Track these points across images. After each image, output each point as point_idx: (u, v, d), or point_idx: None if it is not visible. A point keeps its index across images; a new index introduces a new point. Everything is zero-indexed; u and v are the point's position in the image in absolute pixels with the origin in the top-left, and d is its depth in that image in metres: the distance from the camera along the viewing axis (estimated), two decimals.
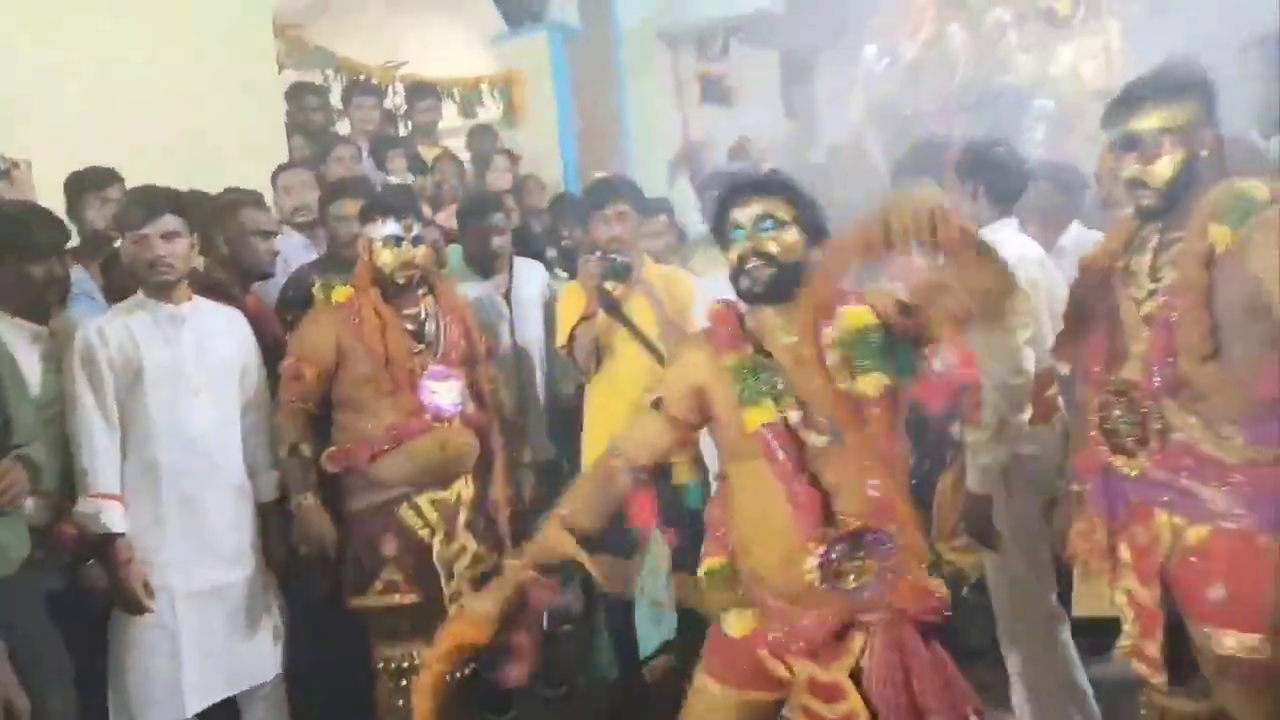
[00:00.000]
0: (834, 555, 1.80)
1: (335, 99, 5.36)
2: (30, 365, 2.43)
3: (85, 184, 3.13)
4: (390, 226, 2.70)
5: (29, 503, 2.29)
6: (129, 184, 2.98)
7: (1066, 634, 2.63)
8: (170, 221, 2.51)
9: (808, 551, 1.79)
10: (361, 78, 5.55)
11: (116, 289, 2.86)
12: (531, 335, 3.53)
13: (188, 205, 2.60)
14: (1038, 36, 6.46)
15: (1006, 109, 5.94)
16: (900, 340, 1.85)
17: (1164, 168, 1.88)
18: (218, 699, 2.57)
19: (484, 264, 3.51)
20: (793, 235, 1.86)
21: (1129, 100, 1.91)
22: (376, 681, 2.72)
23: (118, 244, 2.69)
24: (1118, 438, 1.96)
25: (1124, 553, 1.99)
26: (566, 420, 3.46)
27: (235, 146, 3.92)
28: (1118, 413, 1.95)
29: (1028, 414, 2.46)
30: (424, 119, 5.47)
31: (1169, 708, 2.01)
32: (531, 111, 6.77)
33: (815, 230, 1.89)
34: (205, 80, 4.02)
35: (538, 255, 4.00)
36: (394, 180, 4.51)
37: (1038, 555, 2.60)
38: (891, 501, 1.80)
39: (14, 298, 2.49)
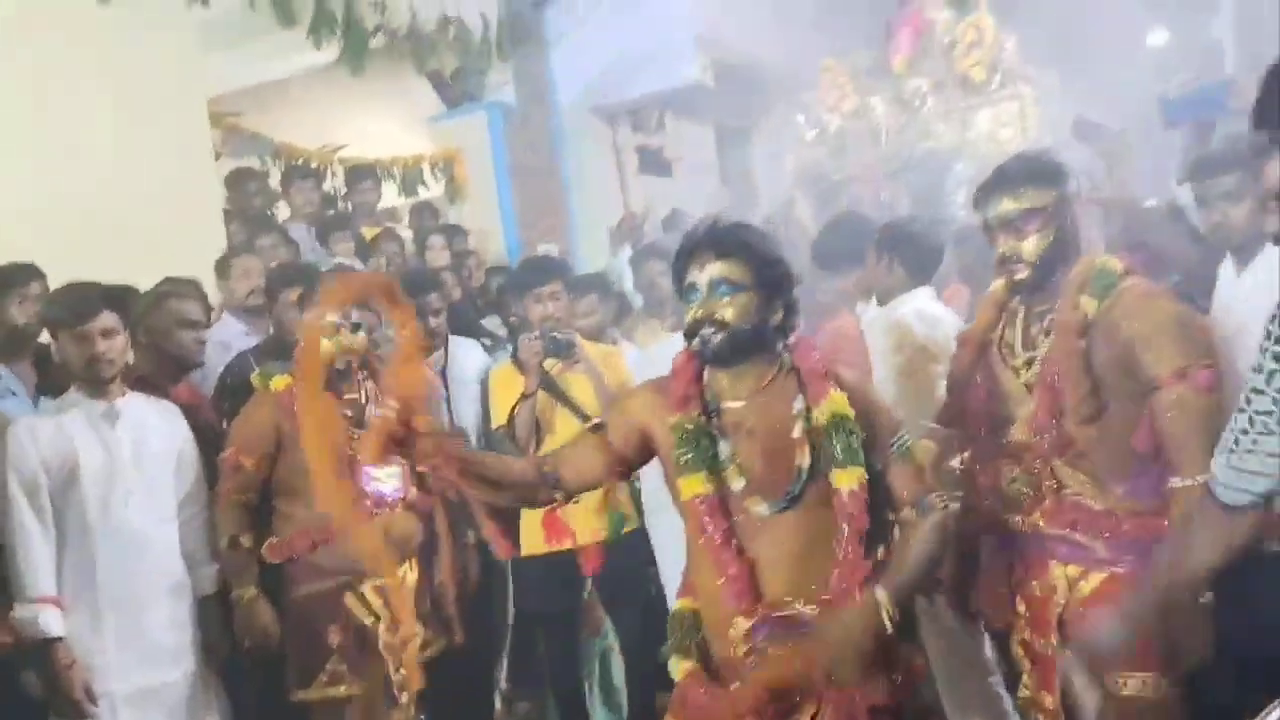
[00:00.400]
0: (761, 635, 1.76)
1: (274, 183, 5.42)
2: None
3: (5, 281, 3.06)
4: (329, 314, 2.74)
5: None
6: (62, 277, 2.97)
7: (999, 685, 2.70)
8: (108, 318, 2.52)
9: (734, 625, 1.77)
10: (300, 162, 5.62)
11: (47, 385, 2.85)
12: (468, 414, 3.55)
13: (121, 300, 2.62)
14: (955, 104, 6.76)
15: (929, 173, 6.19)
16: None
17: (1033, 244, 2.04)
18: None
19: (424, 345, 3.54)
20: (747, 299, 1.80)
21: (999, 183, 2.07)
22: None
23: (43, 340, 2.69)
24: (1012, 497, 2.07)
25: (1020, 605, 2.09)
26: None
27: (170, 236, 3.93)
28: (1011, 474, 2.06)
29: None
30: (363, 199, 5.54)
31: None
32: (474, 188, 6.88)
33: (773, 288, 1.84)
34: (138, 171, 4.04)
35: (474, 333, 4.05)
36: (340, 262, 4.55)
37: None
38: (838, 586, 1.75)
39: None
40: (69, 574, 2.46)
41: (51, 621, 2.39)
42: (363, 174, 5.63)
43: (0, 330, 2.91)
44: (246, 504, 2.69)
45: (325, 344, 2.68)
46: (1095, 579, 1.98)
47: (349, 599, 2.66)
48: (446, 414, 3.51)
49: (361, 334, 2.78)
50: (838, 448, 1.77)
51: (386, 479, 2.73)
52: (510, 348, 3.93)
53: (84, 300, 2.52)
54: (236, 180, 5.01)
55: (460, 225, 5.87)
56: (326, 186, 5.71)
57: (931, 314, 2.74)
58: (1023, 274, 2.06)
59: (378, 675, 2.66)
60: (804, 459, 1.79)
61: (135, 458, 2.57)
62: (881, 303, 2.91)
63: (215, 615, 2.68)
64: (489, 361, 3.72)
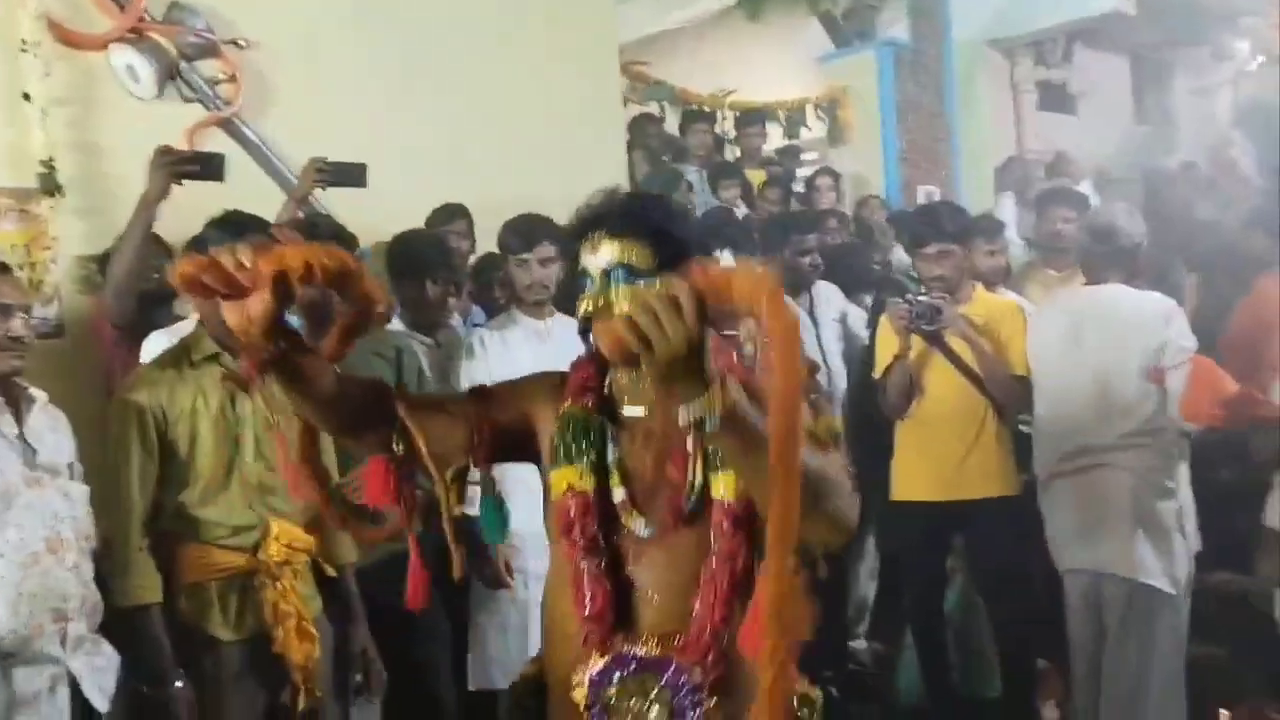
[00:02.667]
0: (612, 676, 1.41)
1: (669, 128, 5.77)
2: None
3: (441, 218, 3.59)
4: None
5: None
6: (482, 213, 3.41)
7: None
8: (547, 248, 2.86)
9: (584, 663, 1.42)
10: (695, 106, 5.91)
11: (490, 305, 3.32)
12: (834, 351, 3.66)
13: (558, 231, 2.98)
14: None
15: None
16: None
17: None
18: None
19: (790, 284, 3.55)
20: (654, 289, 1.34)
21: None
22: None
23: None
24: None
25: None
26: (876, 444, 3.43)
27: (581, 175, 4.32)
28: None
29: None
30: (751, 144, 5.73)
31: None
32: (857, 129, 6.82)
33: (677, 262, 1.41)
34: (557, 118, 4.48)
35: (859, 276, 4.06)
36: (726, 206, 4.79)
37: None
38: (694, 624, 1.38)
39: (411, 313, 2.99)
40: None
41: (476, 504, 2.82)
42: (751, 118, 5.81)
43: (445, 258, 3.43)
44: None
45: None
46: None
47: None
48: (817, 350, 3.60)
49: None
50: (720, 450, 1.38)
51: None
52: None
53: (530, 230, 2.88)
54: (637, 125, 5.40)
55: (830, 167, 5.85)
56: (718, 130, 5.96)
57: None
58: None
59: None
60: (696, 473, 1.43)
61: (559, 366, 2.93)
62: None
63: None
64: (848, 306, 3.74)
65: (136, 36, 3.39)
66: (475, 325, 3.27)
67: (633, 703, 1.40)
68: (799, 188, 5.52)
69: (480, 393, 1.59)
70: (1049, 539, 2.98)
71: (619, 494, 1.47)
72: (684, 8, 6.63)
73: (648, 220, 1.47)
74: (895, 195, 6.48)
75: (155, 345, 2.48)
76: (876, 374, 3.26)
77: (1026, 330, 3.08)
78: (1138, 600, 2.77)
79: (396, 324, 3.00)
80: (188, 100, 3.55)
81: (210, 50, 3.57)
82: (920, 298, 3.08)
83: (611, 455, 1.49)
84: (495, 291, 3.46)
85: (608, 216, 1.48)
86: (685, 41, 7.24)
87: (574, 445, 1.48)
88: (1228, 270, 3.79)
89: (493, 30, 4.32)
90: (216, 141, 3.59)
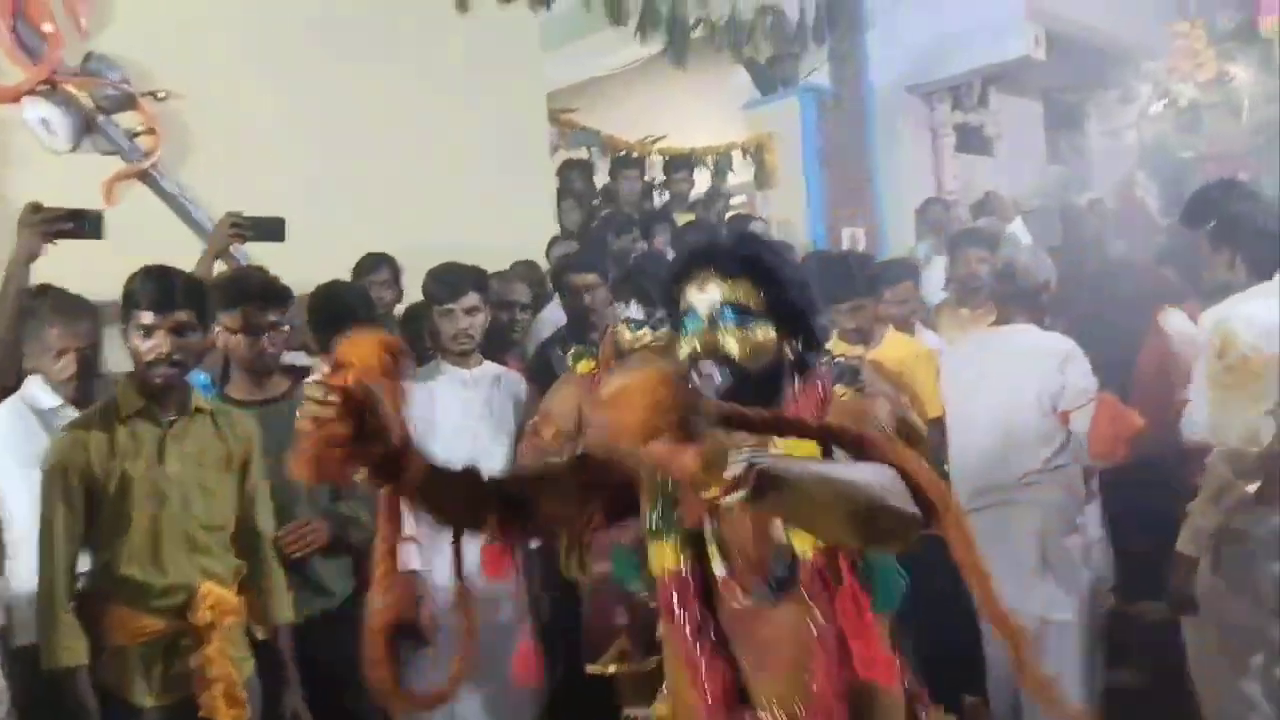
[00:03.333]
0: None
1: (599, 174, 5.83)
2: None
3: (365, 268, 3.57)
4: (634, 310, 2.90)
5: None
6: (415, 262, 3.40)
7: None
8: (473, 298, 2.88)
9: None
10: (624, 153, 5.98)
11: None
12: None
13: (485, 281, 2.99)
14: None
15: None
16: None
17: None
18: None
19: None
20: (763, 332, 1.41)
21: None
22: None
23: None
24: None
25: None
26: None
27: (509, 223, 4.35)
28: None
29: (1254, 485, 2.34)
30: (679, 189, 5.81)
31: None
32: (782, 173, 6.96)
33: (792, 318, 1.45)
34: (484, 166, 4.50)
35: None
36: (655, 251, 4.83)
37: (1233, 633, 2.51)
38: (817, 694, 1.35)
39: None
40: (422, 518, 2.84)
41: (411, 556, 2.77)
42: (679, 164, 5.90)
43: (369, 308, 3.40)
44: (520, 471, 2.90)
45: (625, 335, 2.75)
46: None
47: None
48: None
49: (664, 328, 2.91)
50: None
51: None
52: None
53: (456, 279, 2.88)
54: (567, 170, 5.45)
55: (752, 214, 5.96)
56: (647, 177, 6.04)
57: (1264, 323, 2.40)
58: None
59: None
60: (781, 537, 1.37)
61: (484, 416, 2.92)
62: (1212, 298, 2.65)
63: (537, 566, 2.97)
64: None
65: (51, 89, 3.35)
66: None
67: None
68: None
69: (583, 460, 1.49)
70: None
71: (720, 569, 1.41)
72: (611, 55, 6.73)
73: (757, 259, 1.44)
74: (820, 238, 6.61)
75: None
76: None
77: (938, 372, 3.15)
78: (1046, 635, 2.84)
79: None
80: (105, 153, 3.50)
81: (128, 102, 3.54)
82: (838, 359, 3.10)
83: (710, 527, 1.42)
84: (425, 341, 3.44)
85: (717, 254, 1.44)
86: (613, 89, 7.34)
87: (660, 520, 1.44)
88: (1136, 305, 3.94)
89: (418, 78, 4.34)
90: (136, 194, 3.54)
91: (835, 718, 1.35)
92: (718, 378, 1.38)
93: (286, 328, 2.59)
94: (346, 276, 3.46)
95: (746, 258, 1.44)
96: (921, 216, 5.91)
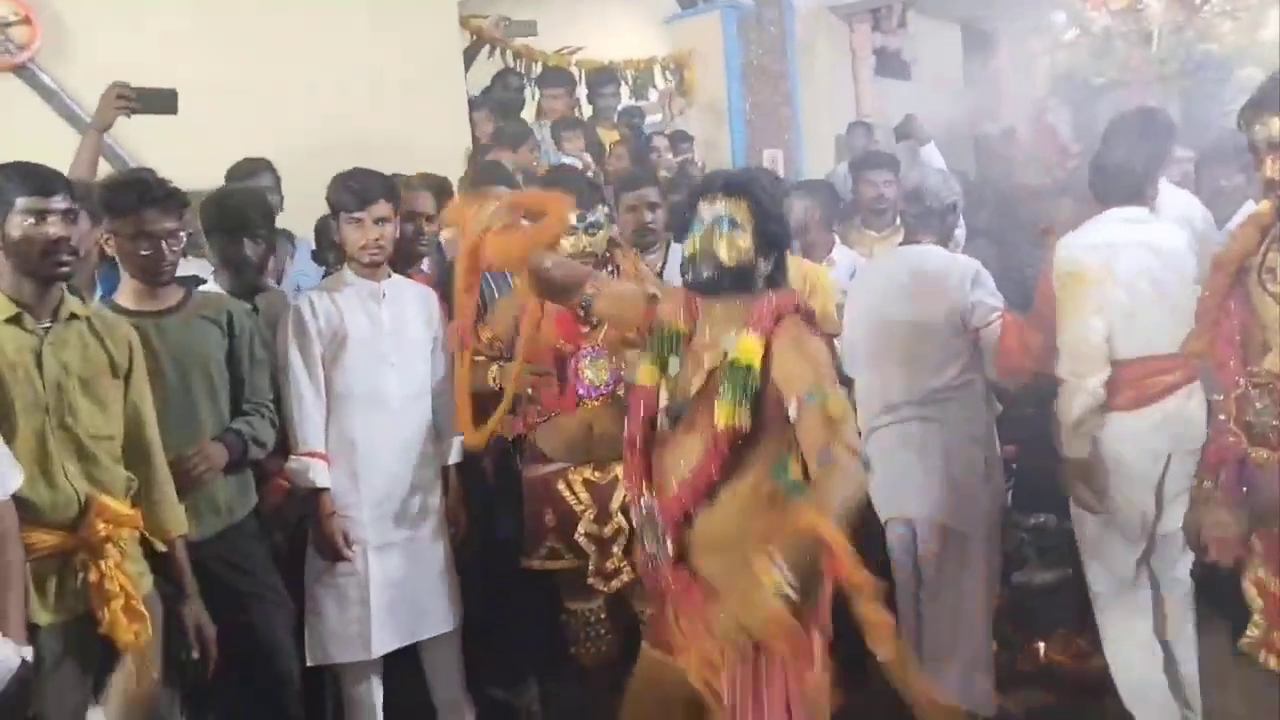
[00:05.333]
0: (637, 513, 2.03)
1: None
2: None
3: (245, 172, 3.40)
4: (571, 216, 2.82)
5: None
6: (319, 171, 3.26)
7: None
8: (383, 207, 2.74)
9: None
10: (542, 64, 5.80)
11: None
12: None
13: (395, 189, 2.85)
14: (1246, 0, 5.96)
15: (1206, 81, 5.56)
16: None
17: None
18: (402, 644, 2.82)
19: (640, 241, 3.46)
20: (744, 241, 1.94)
21: (1266, 102, 1.86)
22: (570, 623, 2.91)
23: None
24: (1257, 430, 1.93)
25: (1256, 543, 1.97)
26: None
27: (418, 132, 4.20)
28: (1259, 405, 1.93)
29: (1097, 379, 2.73)
30: (604, 103, 5.67)
31: None
32: (703, 91, 6.86)
33: (769, 242, 1.98)
34: (391, 73, 4.31)
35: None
36: (568, 160, 4.72)
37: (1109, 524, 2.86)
38: (672, 498, 1.95)
39: (229, 275, 2.83)
40: (333, 436, 2.76)
41: (320, 474, 2.71)
42: (605, 78, 5.75)
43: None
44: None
45: (565, 243, 2.70)
46: None
47: (560, 485, 2.83)
48: None
49: (600, 232, 2.85)
50: (725, 385, 1.88)
51: (594, 373, 2.82)
52: None
53: (365, 188, 2.74)
54: (501, 80, 5.28)
55: (685, 131, 5.88)
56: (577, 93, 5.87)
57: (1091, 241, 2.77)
58: None
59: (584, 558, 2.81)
60: (697, 384, 1.94)
61: (396, 334, 2.83)
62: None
63: (456, 484, 2.94)
64: None
65: None
66: (303, 288, 3.12)
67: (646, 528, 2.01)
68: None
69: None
70: (871, 490, 3.11)
71: (664, 399, 2.00)
72: None
73: (755, 187, 1.99)
74: (740, 158, 6.57)
75: None
76: None
77: (832, 292, 3.23)
78: (949, 545, 2.95)
79: (214, 286, 2.84)
80: None
81: None
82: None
83: (673, 369, 2.00)
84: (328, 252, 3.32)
85: (725, 179, 2.02)
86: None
87: (657, 347, 2.04)
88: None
89: None
90: (10, 88, 3.28)
91: (694, 498, 1.92)
92: (706, 272, 1.94)
93: (184, 235, 2.45)
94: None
95: (747, 185, 1.98)
96: (845, 140, 5.91)
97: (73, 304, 2.14)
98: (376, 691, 2.84)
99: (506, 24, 5.63)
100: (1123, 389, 2.70)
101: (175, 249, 2.41)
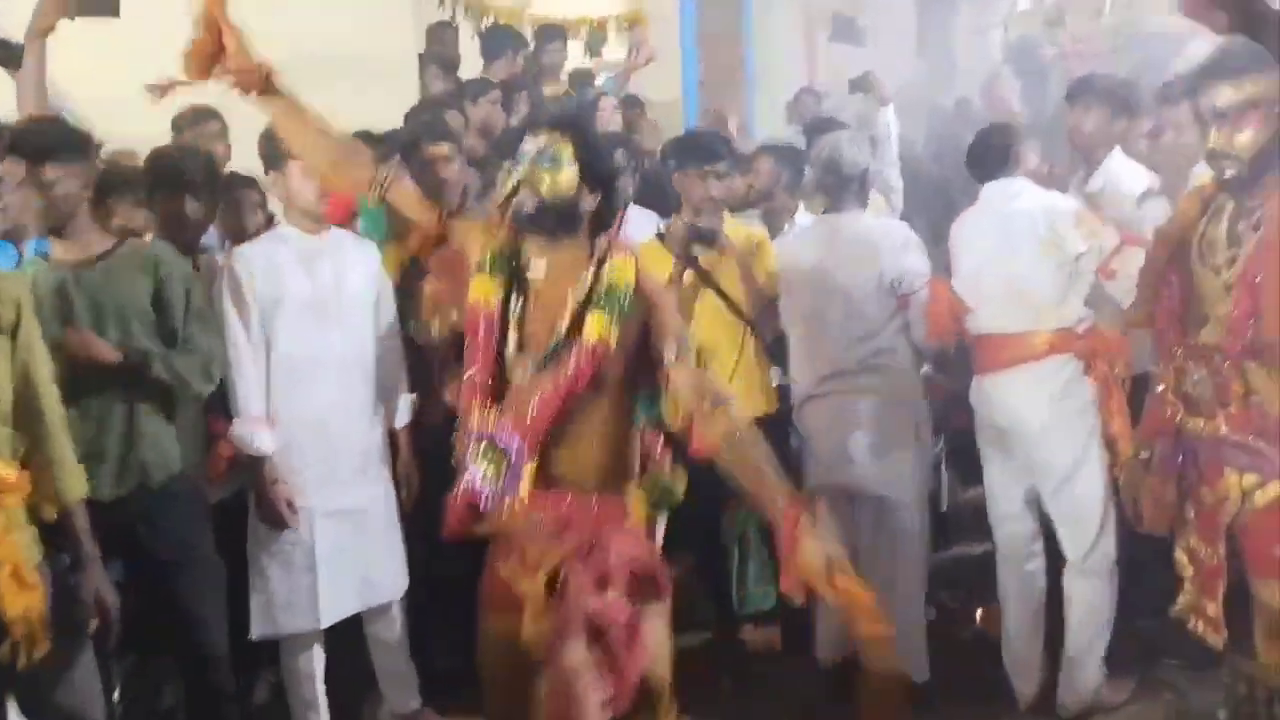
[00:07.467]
0: (478, 439, 1.87)
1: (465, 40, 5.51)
2: None
3: (192, 120, 3.33)
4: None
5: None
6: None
7: None
8: None
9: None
10: (491, 19, 5.67)
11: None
12: None
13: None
14: None
15: (1156, 52, 5.61)
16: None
17: (1249, 139, 1.90)
18: (349, 613, 2.78)
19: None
20: (567, 176, 1.88)
21: (1218, 68, 1.88)
22: None
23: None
24: (1194, 400, 1.97)
25: (1189, 511, 2.02)
26: None
27: (368, 85, 4.08)
28: (1196, 376, 1.97)
29: None
30: (551, 60, 5.56)
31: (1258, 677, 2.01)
32: (657, 53, 6.76)
33: (596, 179, 1.93)
34: (338, 22, 4.19)
35: (656, 202, 4.01)
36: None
37: None
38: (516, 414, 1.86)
39: (168, 233, 2.73)
40: (275, 397, 2.69)
41: (264, 440, 2.64)
42: (552, 34, 5.63)
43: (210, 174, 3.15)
44: None
45: None
46: (1274, 490, 1.88)
47: None
48: None
49: None
50: (601, 301, 1.86)
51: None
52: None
53: None
54: (434, 34, 5.14)
55: (636, 96, 5.79)
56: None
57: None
58: (1233, 170, 1.92)
59: None
60: (564, 322, 1.88)
61: (337, 290, 2.75)
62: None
63: (407, 447, 2.88)
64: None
65: None
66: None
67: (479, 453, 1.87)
68: None
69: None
70: (802, 459, 3.14)
71: (512, 340, 1.91)
72: None
73: (578, 125, 1.98)
74: (693, 121, 6.51)
75: None
76: None
77: (773, 257, 3.22)
78: (883, 513, 3.00)
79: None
80: None
81: None
82: (698, 222, 3.10)
83: (515, 307, 1.92)
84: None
85: (552, 116, 2.11)
86: None
87: (493, 262, 1.94)
88: None
89: None
90: None
91: (554, 418, 1.86)
92: (528, 206, 1.88)
93: (80, 183, 2.33)
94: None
95: (572, 122, 1.99)
96: (793, 107, 5.87)
97: None
98: (318, 660, 2.81)
99: None
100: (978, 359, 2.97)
101: (70, 197, 2.33)
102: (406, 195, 2.08)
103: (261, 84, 1.97)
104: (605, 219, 1.97)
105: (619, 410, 1.92)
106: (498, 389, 1.91)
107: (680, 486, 2.11)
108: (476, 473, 1.85)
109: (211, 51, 1.93)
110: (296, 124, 2.05)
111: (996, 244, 2.88)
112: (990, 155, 2.98)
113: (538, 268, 1.93)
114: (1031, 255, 2.79)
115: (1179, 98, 2.78)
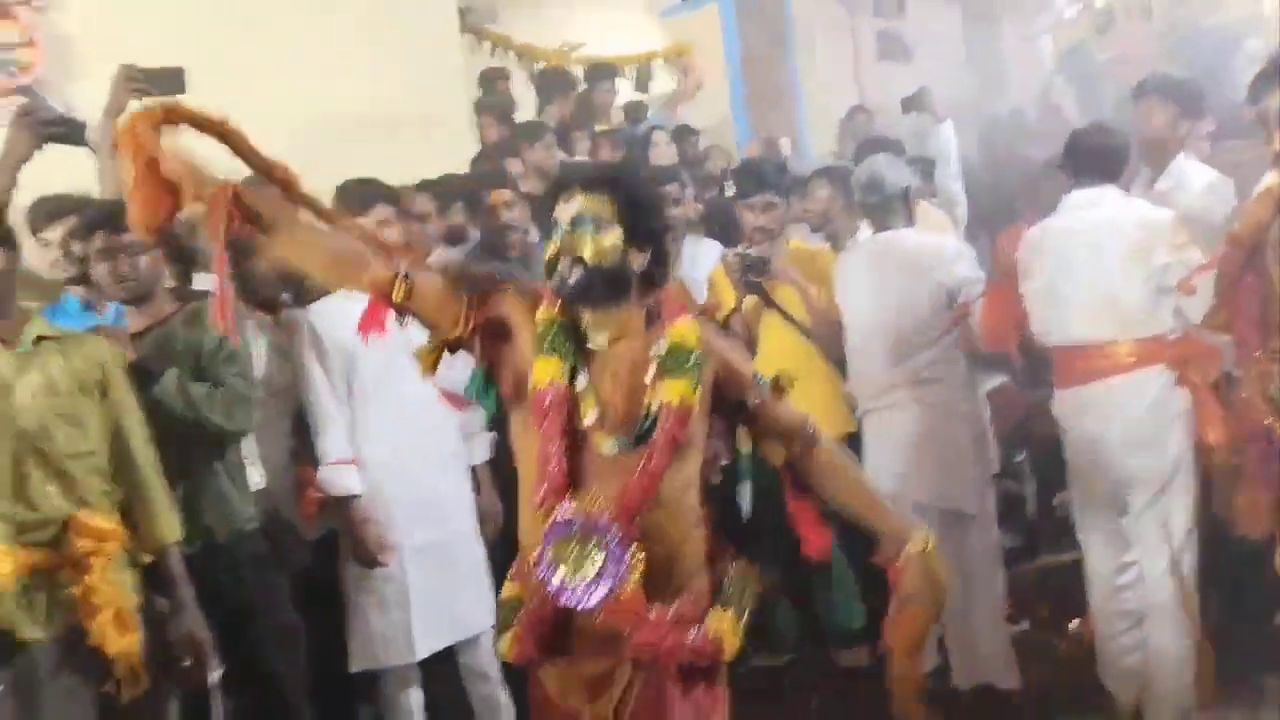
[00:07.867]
0: (561, 531, 1.67)
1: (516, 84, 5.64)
2: (258, 352, 2.76)
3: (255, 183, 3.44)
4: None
5: (256, 475, 2.62)
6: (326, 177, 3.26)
7: None
8: (383, 210, 2.76)
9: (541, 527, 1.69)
10: (543, 64, 5.79)
11: None
12: None
13: (396, 197, 2.87)
14: None
15: (1213, 52, 5.51)
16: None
17: None
18: (443, 645, 2.83)
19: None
20: (611, 239, 1.71)
21: (1277, 74, 1.85)
22: None
23: None
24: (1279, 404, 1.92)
25: None
26: None
27: (421, 136, 4.21)
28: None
29: None
30: (602, 100, 5.66)
31: None
32: (705, 82, 6.83)
33: (643, 235, 1.75)
34: (393, 76, 4.32)
35: (724, 228, 3.98)
36: (579, 159, 4.73)
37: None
38: (624, 495, 1.69)
39: (246, 291, 2.84)
40: (360, 439, 2.78)
41: (352, 480, 2.72)
42: (602, 73, 5.74)
43: None
44: None
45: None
46: None
47: None
48: None
49: None
50: (670, 366, 1.72)
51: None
52: None
53: (365, 194, 2.76)
54: (486, 81, 5.27)
55: (689, 125, 5.86)
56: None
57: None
58: None
59: None
60: (654, 398, 1.72)
61: (410, 336, 2.81)
62: None
63: (488, 482, 2.96)
64: None
65: None
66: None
67: (571, 549, 1.67)
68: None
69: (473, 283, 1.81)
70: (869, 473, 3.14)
71: (590, 416, 1.72)
72: None
73: (613, 180, 1.77)
74: (744, 140, 6.55)
75: None
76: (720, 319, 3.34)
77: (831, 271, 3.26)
78: (946, 525, 2.96)
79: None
80: None
81: None
82: (749, 251, 3.17)
83: (583, 382, 1.73)
84: None
85: (581, 175, 1.80)
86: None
87: (552, 341, 1.73)
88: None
89: None
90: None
91: (648, 495, 1.70)
92: (572, 276, 1.70)
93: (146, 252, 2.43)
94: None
95: (605, 178, 1.78)
96: (846, 126, 5.88)
97: (39, 326, 2.18)
98: (416, 696, 2.87)
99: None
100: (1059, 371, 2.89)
101: (136, 265, 2.43)
102: (427, 298, 1.80)
103: (250, 219, 1.72)
104: (657, 277, 1.81)
105: (692, 493, 1.79)
106: (575, 472, 1.72)
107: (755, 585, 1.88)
108: (564, 570, 1.67)
109: (159, 196, 1.66)
110: (290, 244, 1.83)
111: (1084, 253, 2.81)
112: (1107, 158, 2.87)
113: (599, 338, 1.77)
114: (1121, 264, 2.73)
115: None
